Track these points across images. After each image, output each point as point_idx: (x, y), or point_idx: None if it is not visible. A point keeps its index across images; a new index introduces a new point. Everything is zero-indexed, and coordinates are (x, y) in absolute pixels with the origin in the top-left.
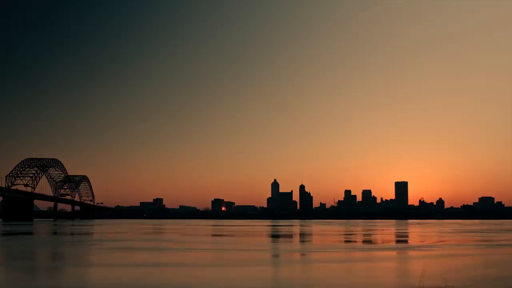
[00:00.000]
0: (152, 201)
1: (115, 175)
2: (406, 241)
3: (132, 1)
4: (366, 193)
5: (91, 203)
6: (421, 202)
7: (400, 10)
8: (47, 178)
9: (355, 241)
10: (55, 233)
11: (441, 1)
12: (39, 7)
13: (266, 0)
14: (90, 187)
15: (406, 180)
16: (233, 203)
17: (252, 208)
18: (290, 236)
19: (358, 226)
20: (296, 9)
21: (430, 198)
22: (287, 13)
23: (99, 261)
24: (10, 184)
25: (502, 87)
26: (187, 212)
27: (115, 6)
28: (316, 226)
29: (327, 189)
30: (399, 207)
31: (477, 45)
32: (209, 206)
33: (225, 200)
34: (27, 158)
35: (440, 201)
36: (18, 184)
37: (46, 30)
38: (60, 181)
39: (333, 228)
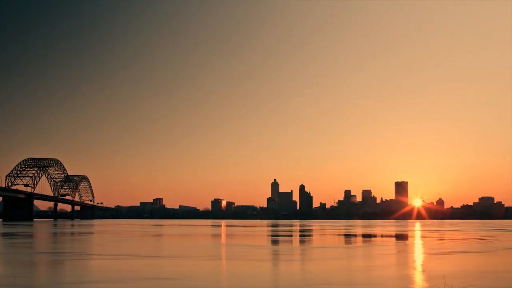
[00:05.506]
0: (152, 201)
1: (115, 175)
2: (406, 241)
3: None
4: (366, 193)
5: (91, 203)
6: (421, 202)
7: (403, 9)
8: (47, 178)
9: (358, 242)
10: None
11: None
12: (39, 6)
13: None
14: (90, 187)
15: (406, 180)
16: (233, 203)
17: (252, 208)
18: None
19: (359, 226)
20: (300, 10)
21: (430, 198)
22: (285, 11)
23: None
24: (10, 184)
25: (502, 87)
26: (187, 212)
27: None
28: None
29: (327, 189)
30: (399, 207)
31: (478, 45)
32: (209, 206)
33: (225, 200)
34: (27, 158)
35: (440, 201)
36: (18, 184)
37: (46, 30)
38: (60, 181)
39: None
